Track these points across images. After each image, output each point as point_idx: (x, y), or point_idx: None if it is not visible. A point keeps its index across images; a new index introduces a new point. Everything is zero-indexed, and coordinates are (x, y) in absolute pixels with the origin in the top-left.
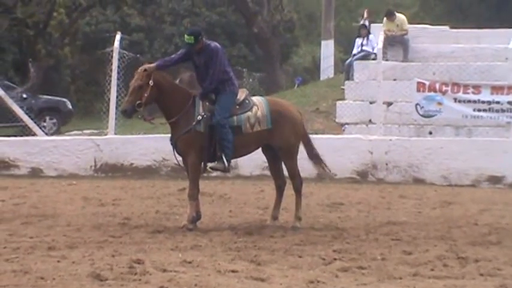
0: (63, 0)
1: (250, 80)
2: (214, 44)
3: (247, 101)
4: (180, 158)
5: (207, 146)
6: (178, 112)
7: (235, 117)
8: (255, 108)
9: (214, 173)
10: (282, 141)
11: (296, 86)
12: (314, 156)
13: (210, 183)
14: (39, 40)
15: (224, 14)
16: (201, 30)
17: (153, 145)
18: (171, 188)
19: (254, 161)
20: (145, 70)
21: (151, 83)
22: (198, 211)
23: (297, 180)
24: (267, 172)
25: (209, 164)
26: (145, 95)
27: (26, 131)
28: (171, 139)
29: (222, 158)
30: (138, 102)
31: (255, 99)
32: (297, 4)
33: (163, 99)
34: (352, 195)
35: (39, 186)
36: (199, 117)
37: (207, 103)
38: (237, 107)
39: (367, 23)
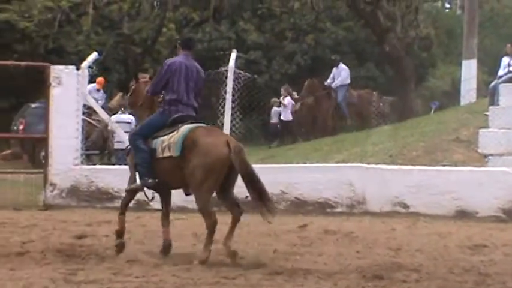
0: (174, 14)
1: (381, 104)
2: (172, 59)
3: (179, 125)
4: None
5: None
6: None
7: (154, 140)
8: (174, 133)
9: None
10: (188, 172)
11: (432, 111)
12: (256, 199)
13: (334, 220)
14: (147, 58)
15: (352, 30)
16: (180, 40)
17: (270, 176)
18: (290, 225)
19: (384, 196)
20: None
21: None
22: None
23: (207, 219)
24: (399, 208)
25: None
26: None
27: None
28: None
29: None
30: None
31: (190, 125)
32: (435, 19)
33: None
34: (497, 236)
35: (145, 220)
36: None
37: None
38: (165, 129)
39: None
